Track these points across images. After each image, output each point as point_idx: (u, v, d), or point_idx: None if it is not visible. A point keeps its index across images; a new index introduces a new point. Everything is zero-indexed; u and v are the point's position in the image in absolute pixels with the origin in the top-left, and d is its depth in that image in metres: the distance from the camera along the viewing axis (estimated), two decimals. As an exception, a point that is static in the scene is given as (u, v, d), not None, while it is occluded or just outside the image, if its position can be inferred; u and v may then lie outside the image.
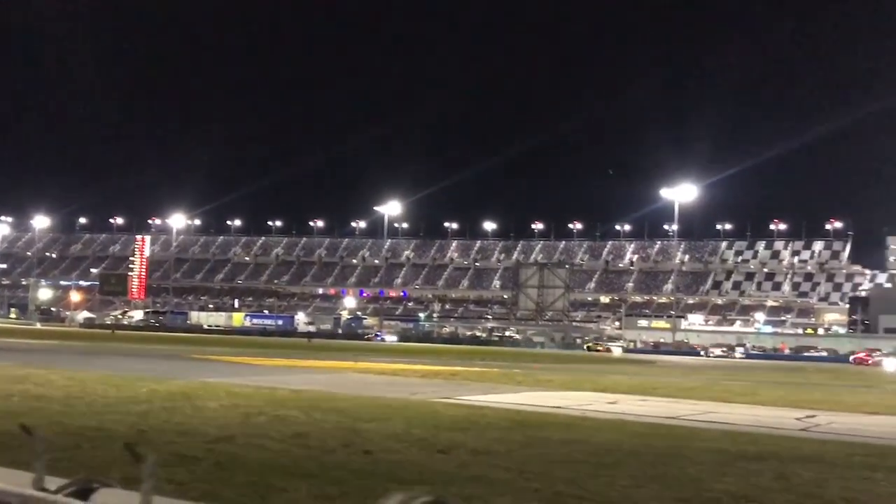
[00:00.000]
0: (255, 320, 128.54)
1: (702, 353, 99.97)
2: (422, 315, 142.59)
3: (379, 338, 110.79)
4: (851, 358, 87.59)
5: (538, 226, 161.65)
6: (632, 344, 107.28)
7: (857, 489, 9.34)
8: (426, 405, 17.60)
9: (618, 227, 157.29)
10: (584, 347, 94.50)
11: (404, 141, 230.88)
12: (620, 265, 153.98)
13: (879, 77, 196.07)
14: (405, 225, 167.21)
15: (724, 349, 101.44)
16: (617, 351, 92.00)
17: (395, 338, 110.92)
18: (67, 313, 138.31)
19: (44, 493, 1.97)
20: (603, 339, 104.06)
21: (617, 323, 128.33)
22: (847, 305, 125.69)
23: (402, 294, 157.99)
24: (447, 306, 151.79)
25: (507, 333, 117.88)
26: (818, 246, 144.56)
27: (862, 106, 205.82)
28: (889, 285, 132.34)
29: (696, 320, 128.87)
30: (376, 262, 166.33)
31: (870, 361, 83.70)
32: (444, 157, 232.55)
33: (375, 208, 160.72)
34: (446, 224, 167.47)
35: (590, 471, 10.02)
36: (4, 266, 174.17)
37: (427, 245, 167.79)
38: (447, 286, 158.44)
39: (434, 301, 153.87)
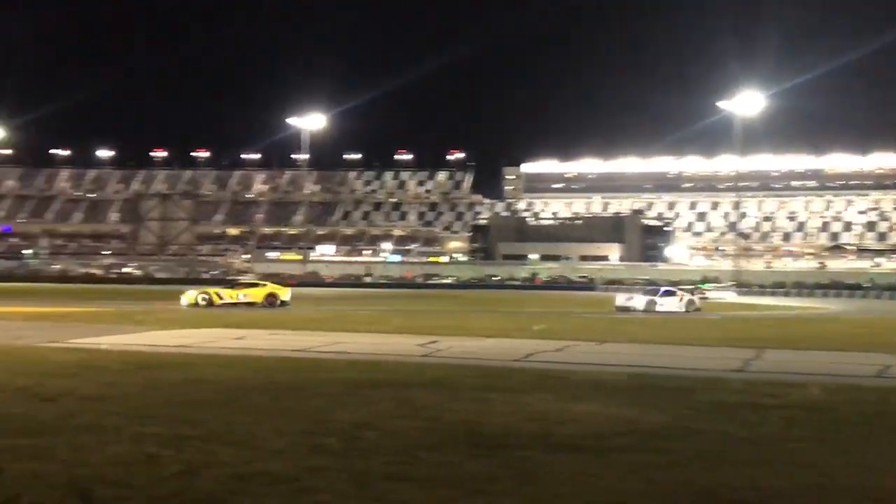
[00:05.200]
0: None
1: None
2: (28, 252, 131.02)
3: None
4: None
5: (160, 153, 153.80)
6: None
7: (473, 410, 9.78)
8: (31, 350, 16.15)
9: (245, 157, 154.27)
10: None
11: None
12: (249, 196, 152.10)
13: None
14: (7, 152, 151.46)
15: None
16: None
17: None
18: None
19: None
20: None
21: (246, 256, 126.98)
22: (469, 234, 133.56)
23: (3, 229, 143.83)
24: (58, 242, 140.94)
25: (124, 270, 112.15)
26: (441, 176, 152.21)
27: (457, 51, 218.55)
28: (506, 214, 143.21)
29: (326, 251, 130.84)
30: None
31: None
32: (52, 76, 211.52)
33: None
34: (54, 151, 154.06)
35: (213, 410, 9.65)
36: None
37: (33, 174, 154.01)
38: (57, 220, 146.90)
39: (42, 236, 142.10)
